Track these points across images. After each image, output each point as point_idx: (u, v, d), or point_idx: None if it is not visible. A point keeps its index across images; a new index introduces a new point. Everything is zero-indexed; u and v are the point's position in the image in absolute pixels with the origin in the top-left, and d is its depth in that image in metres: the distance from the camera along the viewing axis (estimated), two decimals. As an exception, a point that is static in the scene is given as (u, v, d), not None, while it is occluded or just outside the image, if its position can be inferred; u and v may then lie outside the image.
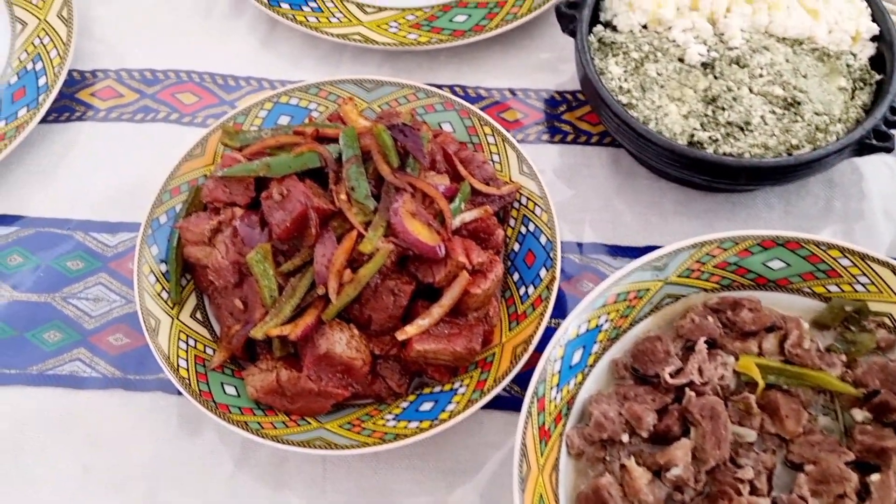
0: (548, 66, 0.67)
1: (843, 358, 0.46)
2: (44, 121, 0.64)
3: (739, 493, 0.42)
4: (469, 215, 0.48)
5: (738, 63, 0.56)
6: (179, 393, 0.52)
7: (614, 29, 0.60)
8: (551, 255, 0.50)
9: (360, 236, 0.46)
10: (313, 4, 0.67)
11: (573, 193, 0.60)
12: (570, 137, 0.63)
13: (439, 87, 0.64)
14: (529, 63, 0.67)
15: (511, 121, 0.64)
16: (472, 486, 0.50)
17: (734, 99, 0.54)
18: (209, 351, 0.50)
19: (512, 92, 0.65)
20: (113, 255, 0.58)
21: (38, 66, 0.64)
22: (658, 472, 0.44)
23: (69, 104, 0.65)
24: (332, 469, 0.50)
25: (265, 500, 0.50)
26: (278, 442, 0.46)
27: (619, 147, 0.62)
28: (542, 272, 0.50)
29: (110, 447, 0.52)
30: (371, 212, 0.47)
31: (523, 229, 0.53)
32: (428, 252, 0.46)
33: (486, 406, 0.51)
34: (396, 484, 0.50)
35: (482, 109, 0.63)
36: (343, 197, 0.47)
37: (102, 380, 0.54)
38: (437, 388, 0.48)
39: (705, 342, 0.46)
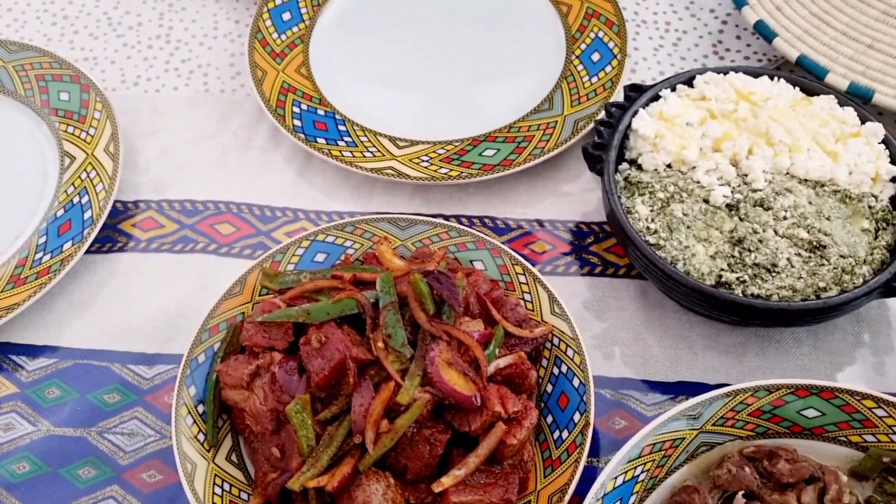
0: (574, 197, 0.69)
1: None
2: (89, 250, 0.66)
3: None
4: (503, 361, 0.49)
5: (762, 205, 0.58)
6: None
7: (639, 167, 0.62)
8: (584, 398, 0.51)
9: (398, 386, 0.46)
10: (348, 139, 0.70)
11: (603, 326, 0.61)
12: (598, 269, 0.64)
13: (469, 217, 0.67)
14: (556, 194, 0.69)
15: (539, 252, 0.65)
16: None
17: (760, 241, 0.56)
18: (244, 496, 0.50)
19: (539, 223, 0.67)
20: (149, 388, 0.59)
21: (84, 199, 0.66)
22: None
23: (111, 235, 0.68)
24: None
25: None
26: None
27: (646, 280, 0.63)
28: (576, 416, 0.50)
29: None
30: (407, 360, 0.48)
31: (556, 370, 0.53)
32: (464, 402, 0.46)
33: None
34: None
35: (511, 240, 0.65)
36: (380, 345, 0.48)
37: (133, 515, 0.54)
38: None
39: (743, 496, 0.46)
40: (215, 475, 0.50)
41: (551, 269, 0.64)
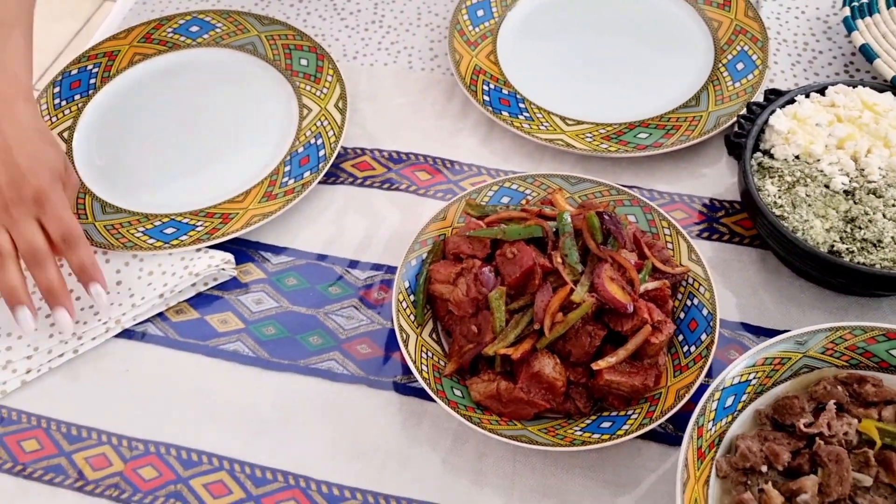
0: (710, 179, 0.83)
1: (950, 433, 0.58)
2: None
3: (855, 524, 0.54)
4: (651, 285, 0.64)
5: (874, 193, 0.70)
6: (405, 393, 0.69)
7: (771, 156, 0.75)
8: (711, 324, 0.65)
9: (571, 290, 0.62)
10: (526, 115, 0.86)
11: (725, 282, 0.75)
12: (725, 237, 0.78)
13: (621, 185, 0.81)
14: (695, 175, 0.83)
15: (678, 219, 0.80)
16: (630, 496, 0.63)
17: (870, 221, 0.68)
18: (441, 363, 0.67)
19: (679, 196, 0.81)
20: (362, 286, 0.77)
21: (319, 141, 0.85)
22: (789, 499, 0.56)
23: (335, 171, 0.86)
24: (520, 467, 0.65)
25: (467, 481, 0.65)
26: (494, 433, 0.61)
27: (766, 249, 0.76)
28: (703, 336, 0.65)
29: (353, 427, 0.69)
30: (579, 273, 0.64)
31: (688, 303, 0.67)
32: (620, 308, 0.61)
33: (646, 437, 0.66)
34: (569, 486, 0.64)
35: (655, 208, 0.80)
36: (559, 260, 0.64)
37: (350, 377, 0.72)
38: (614, 413, 0.63)
39: (834, 405, 0.59)
40: (422, 345, 0.67)
41: (686, 233, 0.78)
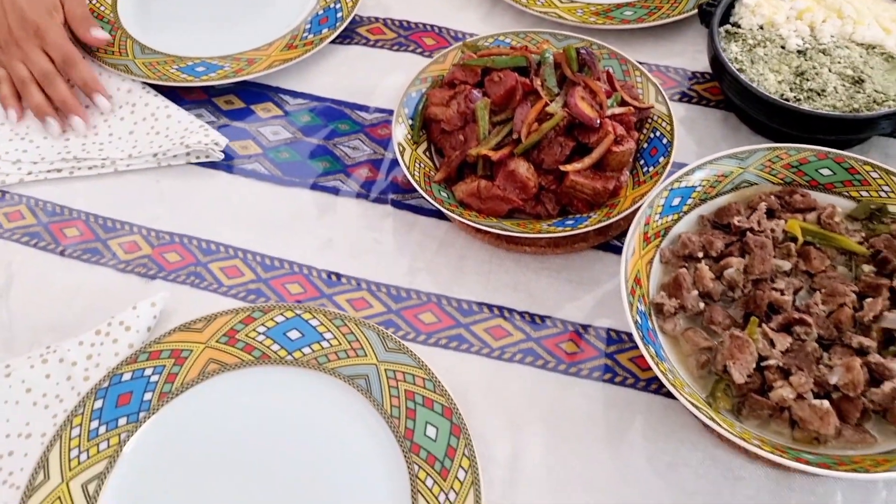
0: (687, 55, 0.92)
1: (864, 235, 0.67)
2: (334, 41, 0.95)
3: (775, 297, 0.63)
4: (618, 109, 0.73)
5: (824, 53, 0.79)
6: (400, 208, 0.79)
7: (738, 26, 0.84)
8: (669, 149, 0.74)
9: (546, 104, 0.72)
10: (525, -9, 0.96)
11: (690, 135, 0.84)
12: (694, 100, 0.87)
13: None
14: (673, 52, 0.92)
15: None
16: (590, 293, 0.73)
17: (816, 74, 0.77)
18: (432, 173, 0.76)
19: (657, 66, 0.91)
20: (368, 124, 0.87)
21: (337, 5, 0.95)
22: (719, 277, 0.65)
23: (350, 34, 0.96)
24: (495, 268, 0.75)
25: (450, 275, 0.75)
26: (470, 223, 0.71)
27: (729, 111, 0.86)
28: (661, 159, 0.74)
29: (353, 232, 0.78)
30: (555, 94, 0.73)
31: (651, 135, 0.77)
32: (588, 121, 0.71)
33: (606, 249, 0.75)
34: (537, 284, 0.74)
35: (633, 73, 0.89)
36: (539, 83, 0.73)
37: (352, 192, 0.82)
38: (578, 215, 0.72)
39: (764, 206, 0.68)
40: (416, 159, 0.77)
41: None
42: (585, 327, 0.71)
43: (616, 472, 0.64)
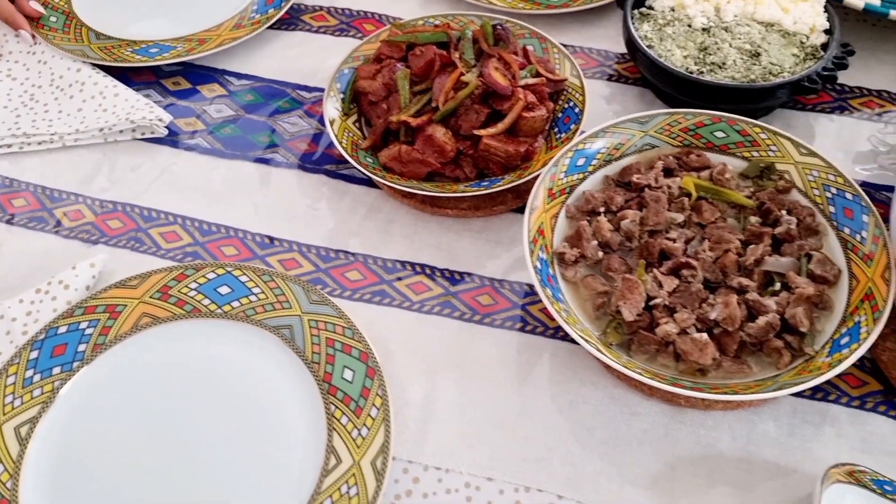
0: (611, 39, 0.97)
1: (752, 190, 0.72)
2: (279, 28, 1.00)
3: (668, 245, 0.68)
4: (531, 80, 0.79)
5: (726, 30, 0.85)
6: (334, 178, 0.84)
7: (651, 8, 0.90)
8: (580, 117, 0.79)
9: (462, 74, 0.77)
10: (459, -19, 1.02)
11: (609, 109, 0.89)
12: (614, 78, 0.93)
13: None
14: (597, 35, 0.98)
15: (578, 63, 0.94)
16: (508, 252, 0.77)
17: (718, 49, 0.83)
18: (360, 142, 0.81)
19: (581, 48, 0.96)
20: (307, 102, 0.92)
21: (282, -7, 1.01)
22: (617, 229, 0.70)
23: (295, 21, 1.02)
24: (420, 230, 0.79)
25: (378, 236, 0.79)
26: (391, 185, 0.76)
27: (646, 88, 0.91)
28: (573, 126, 0.79)
29: (287, 199, 0.83)
30: (472, 66, 0.78)
31: (566, 106, 0.82)
32: (501, 90, 0.76)
33: (523, 212, 0.80)
34: (459, 244, 0.78)
35: (558, 55, 0.95)
36: (457, 55, 0.79)
37: (289, 164, 0.86)
38: (493, 178, 0.77)
39: (661, 165, 0.73)
40: (345, 129, 0.82)
41: (581, 71, 0.93)
42: (501, 282, 0.76)
43: (522, 409, 0.68)
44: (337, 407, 0.66)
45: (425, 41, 0.81)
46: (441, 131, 0.76)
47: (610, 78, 0.93)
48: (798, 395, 0.67)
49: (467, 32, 0.81)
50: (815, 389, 0.67)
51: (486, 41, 0.80)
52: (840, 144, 0.85)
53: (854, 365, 0.67)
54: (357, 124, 0.84)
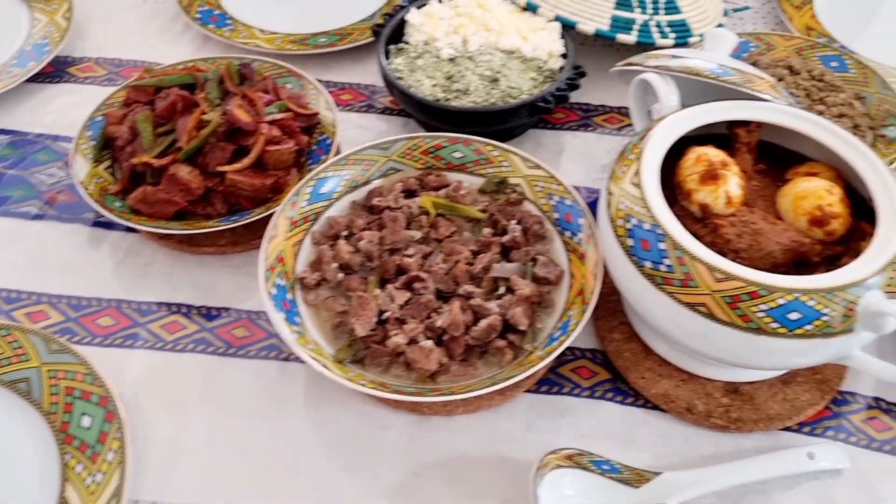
0: (376, 73, 1.01)
1: (486, 204, 0.76)
2: (42, 81, 0.98)
3: (404, 261, 0.71)
4: (278, 116, 0.81)
5: (470, 59, 0.90)
6: (92, 226, 0.83)
7: (407, 43, 0.95)
8: (330, 149, 0.82)
9: (204, 113, 0.78)
10: (230, 27, 1.04)
11: (374, 139, 0.92)
12: (380, 111, 0.97)
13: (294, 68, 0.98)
14: (365, 71, 1.02)
15: (345, 99, 0.98)
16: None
17: (462, 77, 0.88)
18: (111, 187, 0.80)
19: (349, 84, 1.00)
20: (66, 153, 0.91)
21: (46, 41, 0.99)
22: (358, 250, 0.73)
23: (61, 73, 1.00)
24: (180, 270, 0.79)
25: (134, 279, 0.78)
26: (137, 227, 0.75)
27: (410, 118, 0.95)
28: (324, 157, 0.81)
29: (48, 254, 0.81)
30: (216, 105, 0.80)
31: (320, 138, 0.85)
32: (244, 125, 0.77)
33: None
34: (219, 280, 0.78)
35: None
36: (202, 95, 0.80)
37: (45, 216, 0.84)
38: (243, 212, 0.78)
39: (401, 187, 0.76)
40: (95, 175, 0.81)
41: (350, 108, 0.96)
42: (258, 313, 0.76)
43: (275, 436, 0.68)
44: (73, 456, 0.64)
45: (171, 83, 0.82)
46: (185, 170, 0.76)
47: (377, 110, 0.97)
48: (536, 391, 0.70)
49: (212, 73, 0.82)
50: (551, 384, 0.71)
51: (232, 80, 0.82)
52: (583, 158, 0.91)
53: (587, 357, 0.73)
54: (110, 170, 0.83)
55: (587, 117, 0.96)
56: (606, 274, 0.67)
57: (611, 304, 0.74)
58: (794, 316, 0.55)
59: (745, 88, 0.70)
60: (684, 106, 0.69)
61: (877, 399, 0.70)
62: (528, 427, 0.68)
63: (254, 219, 0.75)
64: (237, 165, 0.77)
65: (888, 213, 0.61)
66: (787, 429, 0.68)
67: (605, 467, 0.62)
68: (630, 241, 0.60)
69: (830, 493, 0.64)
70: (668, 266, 0.58)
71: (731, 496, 0.64)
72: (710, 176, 0.65)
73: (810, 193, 0.65)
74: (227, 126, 0.78)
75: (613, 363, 0.71)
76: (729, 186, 0.64)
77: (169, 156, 0.77)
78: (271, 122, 0.80)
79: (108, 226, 0.83)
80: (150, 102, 0.83)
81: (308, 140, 0.84)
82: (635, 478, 0.62)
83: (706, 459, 0.66)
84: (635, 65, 0.76)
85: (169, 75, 0.84)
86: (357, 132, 0.93)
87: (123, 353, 0.73)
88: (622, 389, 0.70)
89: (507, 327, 0.67)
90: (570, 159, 0.91)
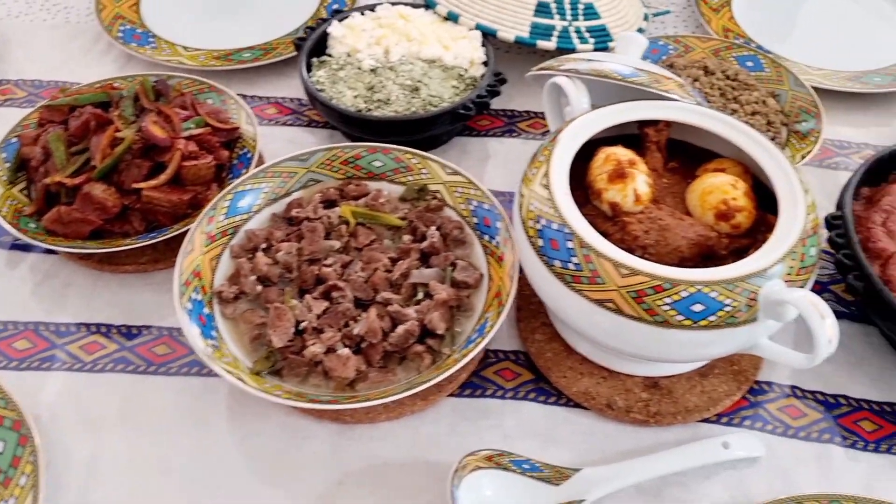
0: (300, 87, 1.02)
1: (406, 211, 0.77)
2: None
3: (323, 271, 0.71)
4: (196, 131, 0.80)
5: (391, 69, 0.91)
6: (13, 248, 0.81)
7: (330, 56, 0.95)
8: (250, 163, 0.82)
9: (118, 131, 0.77)
10: (153, 45, 1.03)
11: (294, 148, 0.92)
12: (305, 123, 0.97)
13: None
14: (291, 84, 1.02)
15: (271, 114, 0.98)
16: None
17: (383, 87, 0.89)
18: (25, 209, 0.79)
19: (276, 98, 1.00)
20: (-15, 176, 0.89)
21: (-39, 70, 0.98)
22: (276, 262, 0.72)
23: (-22, 96, 0.99)
24: (101, 290, 0.78)
25: (52, 300, 0.77)
26: (65, 248, 0.74)
27: (335, 130, 0.95)
28: (244, 171, 0.81)
29: None
30: (131, 123, 0.79)
31: (241, 152, 0.84)
32: (160, 142, 0.77)
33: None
34: (140, 298, 0.77)
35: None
36: (116, 113, 0.79)
37: (-40, 241, 0.83)
38: (162, 229, 0.77)
39: (320, 198, 0.77)
40: (9, 197, 0.79)
41: (276, 122, 0.96)
42: (180, 330, 0.75)
43: (198, 452, 0.67)
44: (-16, 484, 0.62)
45: (86, 102, 0.81)
46: (100, 188, 0.75)
47: (304, 123, 0.97)
48: (459, 395, 0.70)
49: (127, 91, 0.81)
50: (474, 388, 0.71)
51: (147, 97, 0.81)
52: (508, 163, 0.92)
53: (510, 360, 0.73)
54: (25, 192, 0.81)
55: (512, 123, 0.97)
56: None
57: (533, 306, 0.75)
58: (697, 308, 0.57)
59: (653, 89, 0.72)
60: (595, 108, 0.70)
61: (793, 387, 0.72)
62: (452, 430, 0.68)
63: (172, 235, 0.75)
64: (153, 182, 0.76)
65: (789, 204, 0.63)
66: (705, 420, 0.69)
67: (526, 466, 0.63)
68: (540, 242, 0.61)
69: (746, 480, 0.65)
70: (577, 264, 0.59)
71: (651, 489, 0.64)
72: (618, 174, 0.66)
73: (716, 188, 0.66)
74: (143, 143, 0.77)
75: (536, 364, 0.72)
76: (637, 184, 0.66)
77: (83, 175, 0.76)
78: (188, 138, 0.79)
79: (26, 248, 0.82)
80: (65, 122, 0.82)
81: (229, 155, 0.84)
82: (555, 475, 0.63)
83: (627, 454, 0.67)
84: (548, 69, 0.78)
85: (83, 94, 0.83)
86: (283, 146, 0.93)
87: (41, 375, 0.72)
88: (545, 389, 0.71)
89: (426, 332, 0.67)
90: (496, 165, 0.92)
